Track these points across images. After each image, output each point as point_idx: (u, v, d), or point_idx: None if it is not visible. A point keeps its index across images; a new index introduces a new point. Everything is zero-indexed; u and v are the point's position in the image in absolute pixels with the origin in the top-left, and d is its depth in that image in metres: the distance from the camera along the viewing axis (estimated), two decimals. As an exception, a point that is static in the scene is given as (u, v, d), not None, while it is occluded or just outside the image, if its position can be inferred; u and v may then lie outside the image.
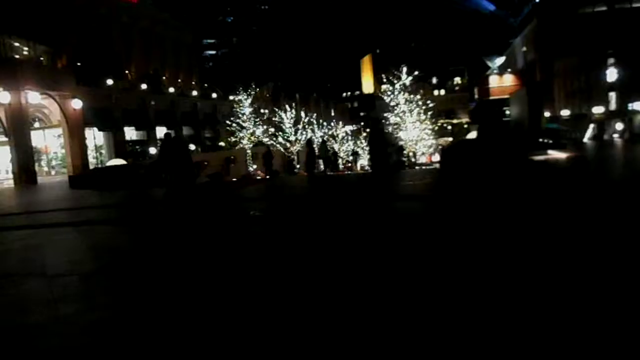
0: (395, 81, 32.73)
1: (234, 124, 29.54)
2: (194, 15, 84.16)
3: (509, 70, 41.83)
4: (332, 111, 74.96)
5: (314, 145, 21.92)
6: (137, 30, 45.79)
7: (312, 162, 19.41)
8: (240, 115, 29.59)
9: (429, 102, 33.75)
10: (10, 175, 25.34)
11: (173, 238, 6.64)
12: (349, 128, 56.83)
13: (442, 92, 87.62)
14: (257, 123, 29.90)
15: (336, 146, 42.07)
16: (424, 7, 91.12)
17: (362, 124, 70.42)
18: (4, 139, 25.90)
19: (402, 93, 32.90)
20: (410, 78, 32.71)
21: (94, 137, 33.21)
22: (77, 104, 28.73)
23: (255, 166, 30.25)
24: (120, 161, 20.37)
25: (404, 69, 33.03)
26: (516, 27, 53.87)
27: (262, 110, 29.94)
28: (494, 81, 40.61)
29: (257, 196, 13.00)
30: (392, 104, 32.76)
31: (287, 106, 33.40)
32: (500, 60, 42.10)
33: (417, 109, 32.72)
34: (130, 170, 19.72)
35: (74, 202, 13.53)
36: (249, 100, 29.37)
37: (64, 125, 29.05)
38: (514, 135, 14.92)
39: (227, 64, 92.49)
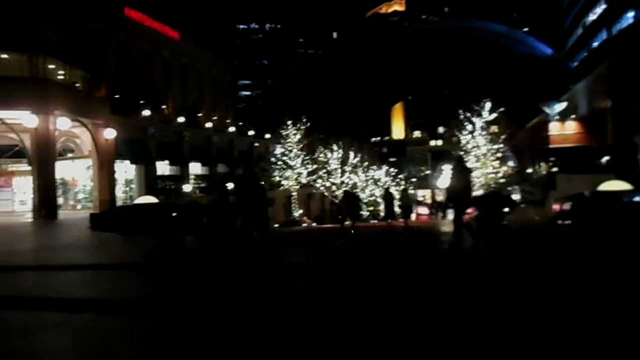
0: (475, 119, 27.65)
1: (279, 162, 26.00)
2: (232, 56, 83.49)
3: (573, 117, 37.71)
4: (365, 156, 71.72)
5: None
6: (177, 66, 44.12)
7: (391, 212, 16.40)
8: (287, 153, 26.09)
9: (501, 145, 28.15)
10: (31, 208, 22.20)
11: None
12: (380, 173, 53.14)
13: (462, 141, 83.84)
14: (306, 162, 26.31)
15: (377, 192, 38.24)
16: (464, 53, 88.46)
17: (397, 170, 66.45)
18: (27, 167, 22.93)
19: (482, 132, 27.65)
20: (494, 115, 27.62)
21: (125, 171, 30.20)
22: (110, 133, 25.84)
23: (301, 211, 26.55)
24: (150, 199, 17.06)
25: (487, 105, 27.90)
26: (574, 72, 50.23)
27: (296, 151, 26.12)
28: (554, 128, 36.58)
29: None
30: (469, 145, 27.92)
31: (334, 146, 29.99)
32: (560, 107, 38.11)
33: (494, 151, 27.33)
34: (161, 210, 16.26)
35: (88, 254, 10.00)
36: (298, 136, 25.91)
37: (94, 156, 26.11)
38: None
39: (260, 105, 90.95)
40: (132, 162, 30.25)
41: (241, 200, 9.16)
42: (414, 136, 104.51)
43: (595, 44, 46.44)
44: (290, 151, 26.30)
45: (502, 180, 25.83)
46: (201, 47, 52.16)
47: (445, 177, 72.38)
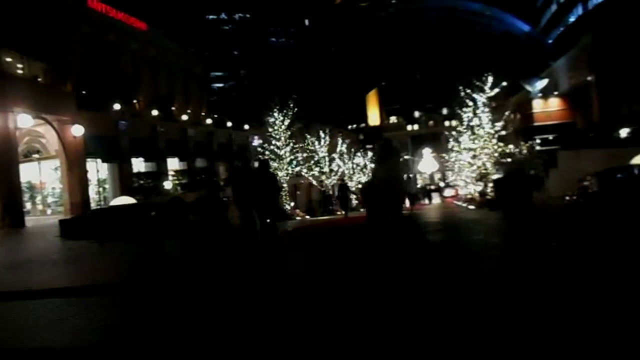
0: (477, 95, 25.26)
1: (266, 152, 23.97)
2: (203, 48, 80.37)
3: (555, 93, 36.83)
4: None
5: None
6: (146, 58, 41.68)
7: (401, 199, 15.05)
8: (274, 141, 24.05)
9: (498, 123, 25.46)
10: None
11: None
12: (363, 160, 51.56)
13: (453, 122, 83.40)
14: (295, 150, 24.33)
15: (363, 179, 36.71)
16: (437, 34, 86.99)
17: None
18: (-13, 172, 20.56)
19: (484, 109, 25.22)
20: (497, 90, 25.41)
21: (97, 170, 27.91)
22: (77, 130, 23.58)
23: (292, 203, 24.70)
24: (127, 199, 15.18)
25: (490, 79, 25.64)
26: (552, 48, 49.52)
27: (284, 139, 24.07)
28: (537, 105, 35.62)
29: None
30: (471, 123, 25.96)
31: (320, 132, 28.18)
32: (542, 84, 37.17)
33: (498, 129, 25.03)
34: (141, 211, 14.38)
35: (55, 272, 8.13)
36: (286, 122, 23.91)
37: (61, 156, 23.86)
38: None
39: (235, 96, 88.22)
40: (103, 161, 27.97)
41: (252, 194, 7.54)
42: (390, 122, 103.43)
43: (572, 20, 45.86)
44: (278, 139, 24.35)
45: (507, 160, 24.29)
46: (170, 39, 49.59)
47: (425, 161, 71.20)
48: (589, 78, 32.54)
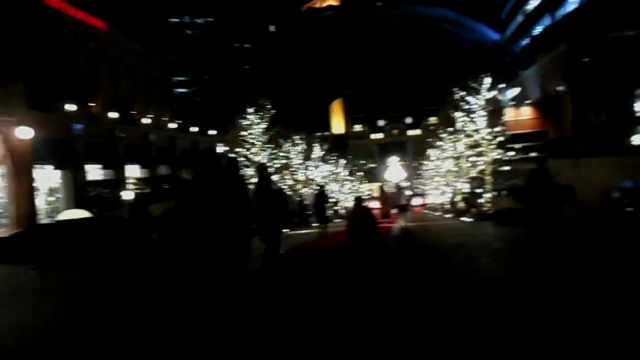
0: (473, 98, 23.27)
1: (239, 158, 21.63)
2: (165, 51, 77.12)
3: (527, 102, 36.42)
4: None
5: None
6: (105, 59, 38.61)
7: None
8: (249, 146, 21.80)
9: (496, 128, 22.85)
10: None
11: None
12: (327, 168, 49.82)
13: (418, 131, 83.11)
14: (273, 156, 22.16)
15: (336, 186, 34.89)
16: (406, 42, 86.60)
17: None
18: None
19: (479, 112, 23.24)
20: (495, 92, 23.57)
21: (48, 178, 24.92)
22: (25, 133, 20.77)
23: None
24: (79, 213, 12.79)
25: (487, 80, 22.85)
26: (521, 58, 49.44)
27: (261, 144, 22.00)
28: (509, 114, 35.04)
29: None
30: (466, 129, 24.19)
31: (295, 138, 26.18)
32: (513, 92, 36.70)
33: (497, 134, 23.09)
34: (93, 227, 12.01)
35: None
36: (263, 125, 21.78)
37: (6, 162, 20.96)
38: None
39: (198, 102, 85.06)
40: (55, 167, 25.03)
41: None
42: (355, 130, 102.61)
43: (539, 30, 45.86)
44: (253, 144, 22.13)
45: (506, 168, 22.86)
46: (131, 40, 46.63)
47: (392, 169, 70.17)
48: (560, 88, 32.21)
